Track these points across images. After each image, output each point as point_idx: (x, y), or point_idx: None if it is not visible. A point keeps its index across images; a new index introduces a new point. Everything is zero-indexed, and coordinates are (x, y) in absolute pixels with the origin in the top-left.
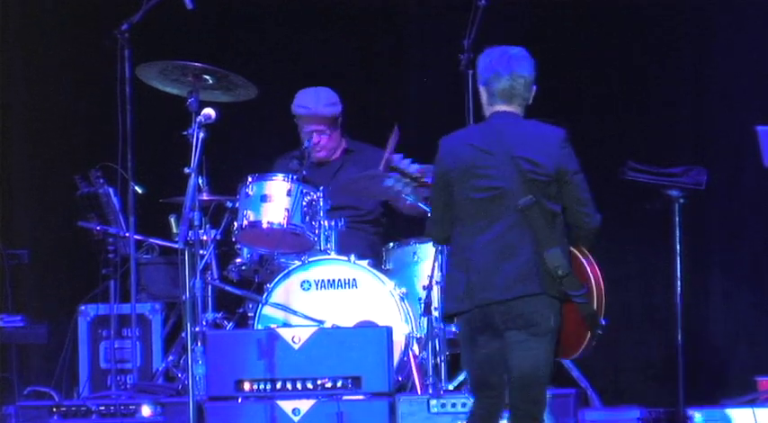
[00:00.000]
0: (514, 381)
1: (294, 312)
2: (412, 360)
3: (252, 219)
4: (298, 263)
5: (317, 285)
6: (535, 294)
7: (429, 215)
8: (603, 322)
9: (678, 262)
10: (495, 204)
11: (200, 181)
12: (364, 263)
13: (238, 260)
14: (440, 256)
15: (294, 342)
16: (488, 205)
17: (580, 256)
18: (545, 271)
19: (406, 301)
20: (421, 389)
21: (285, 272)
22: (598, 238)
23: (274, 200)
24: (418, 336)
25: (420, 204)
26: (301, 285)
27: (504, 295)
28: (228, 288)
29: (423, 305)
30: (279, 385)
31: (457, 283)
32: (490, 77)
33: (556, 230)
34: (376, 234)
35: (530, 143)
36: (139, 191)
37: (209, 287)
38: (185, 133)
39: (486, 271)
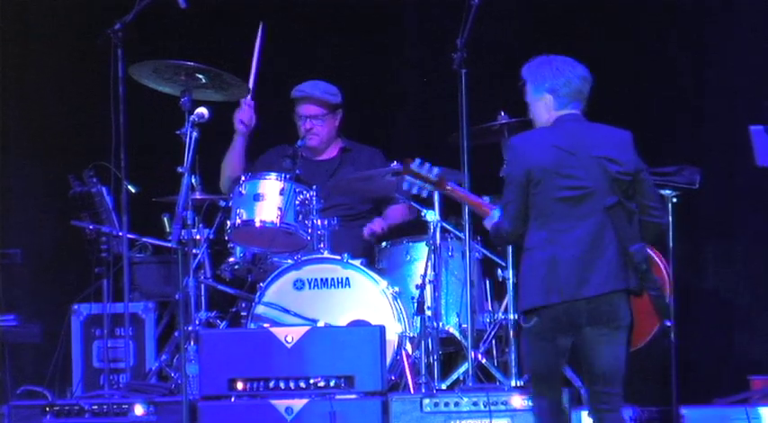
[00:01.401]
0: (598, 375)
1: (287, 311)
2: (405, 359)
3: (245, 217)
4: (291, 262)
5: (309, 284)
6: (621, 290)
7: (504, 211)
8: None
9: (671, 261)
10: (582, 203)
11: (193, 180)
12: (357, 262)
13: (231, 259)
14: (433, 256)
15: (287, 341)
16: (575, 204)
17: (648, 250)
18: (630, 267)
19: (399, 300)
20: (414, 388)
21: (278, 271)
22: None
23: (267, 199)
24: (411, 335)
25: (413, 203)
26: (294, 284)
27: (597, 291)
28: (221, 287)
29: (416, 304)
30: (272, 384)
31: (541, 278)
32: (560, 83)
33: (635, 228)
34: None
35: (609, 144)
36: (132, 190)
37: (203, 286)
38: (178, 132)
39: (578, 268)
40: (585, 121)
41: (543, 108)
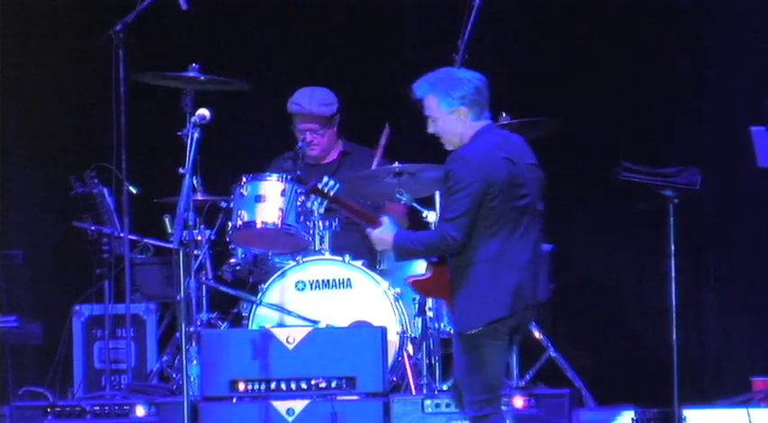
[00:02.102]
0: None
1: (288, 312)
2: (406, 360)
3: (246, 219)
4: (292, 263)
5: (311, 285)
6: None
7: (456, 219)
8: None
9: (672, 262)
10: (527, 211)
11: (194, 181)
12: (358, 263)
13: (233, 260)
14: None
15: (288, 342)
16: (524, 212)
17: None
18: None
19: (400, 301)
20: (415, 389)
21: (280, 272)
22: None
23: (268, 200)
24: (412, 336)
25: (414, 204)
26: (296, 285)
27: (545, 295)
28: (223, 288)
29: (417, 305)
30: (273, 385)
31: (509, 289)
32: (473, 93)
33: None
34: None
35: (527, 150)
36: (134, 191)
37: (204, 287)
38: (180, 133)
39: (533, 273)
40: (500, 128)
41: (457, 121)
